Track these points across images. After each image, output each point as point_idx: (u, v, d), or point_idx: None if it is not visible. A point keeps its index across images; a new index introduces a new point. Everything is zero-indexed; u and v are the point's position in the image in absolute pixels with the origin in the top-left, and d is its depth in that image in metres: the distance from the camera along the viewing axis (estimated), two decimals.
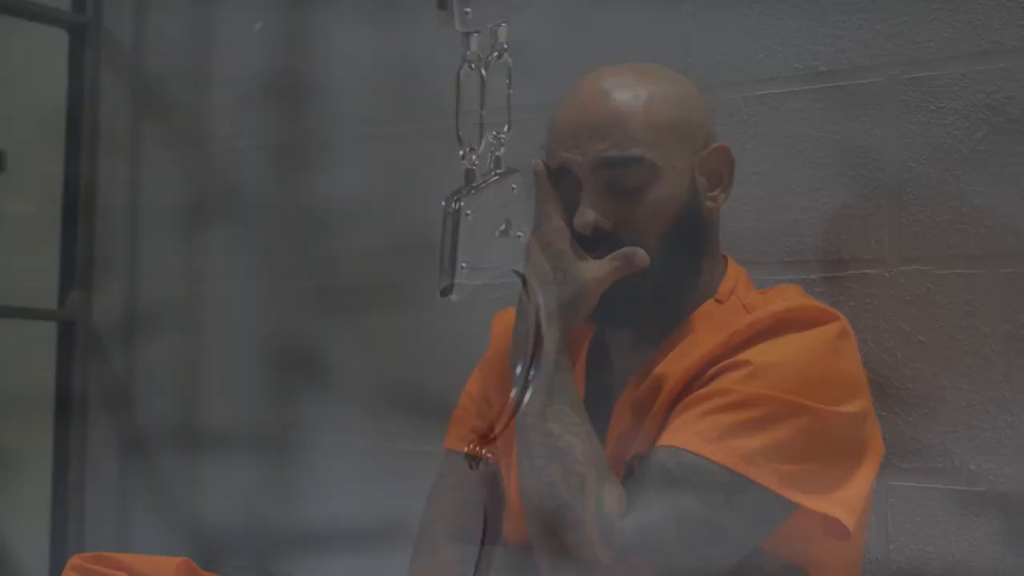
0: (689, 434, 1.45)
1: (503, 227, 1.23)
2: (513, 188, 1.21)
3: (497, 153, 1.20)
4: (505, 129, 1.17)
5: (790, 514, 1.46)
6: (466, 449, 1.73)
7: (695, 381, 1.52)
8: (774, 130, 1.89)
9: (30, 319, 3.28)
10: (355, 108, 2.45)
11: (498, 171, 1.21)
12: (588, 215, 1.56)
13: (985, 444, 1.70)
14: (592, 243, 1.56)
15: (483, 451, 1.73)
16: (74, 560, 1.55)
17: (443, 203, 1.22)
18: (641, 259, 1.53)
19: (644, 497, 1.42)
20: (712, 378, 1.50)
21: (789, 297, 1.59)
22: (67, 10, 2.94)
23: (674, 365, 1.55)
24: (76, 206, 2.93)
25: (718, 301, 1.62)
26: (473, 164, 1.21)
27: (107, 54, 2.92)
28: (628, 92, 1.58)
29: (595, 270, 1.53)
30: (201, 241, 2.72)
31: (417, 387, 2.32)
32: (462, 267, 1.21)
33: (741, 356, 1.50)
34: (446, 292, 1.21)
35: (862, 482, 1.50)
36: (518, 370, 1.44)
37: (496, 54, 1.20)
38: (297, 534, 2.49)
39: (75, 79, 2.95)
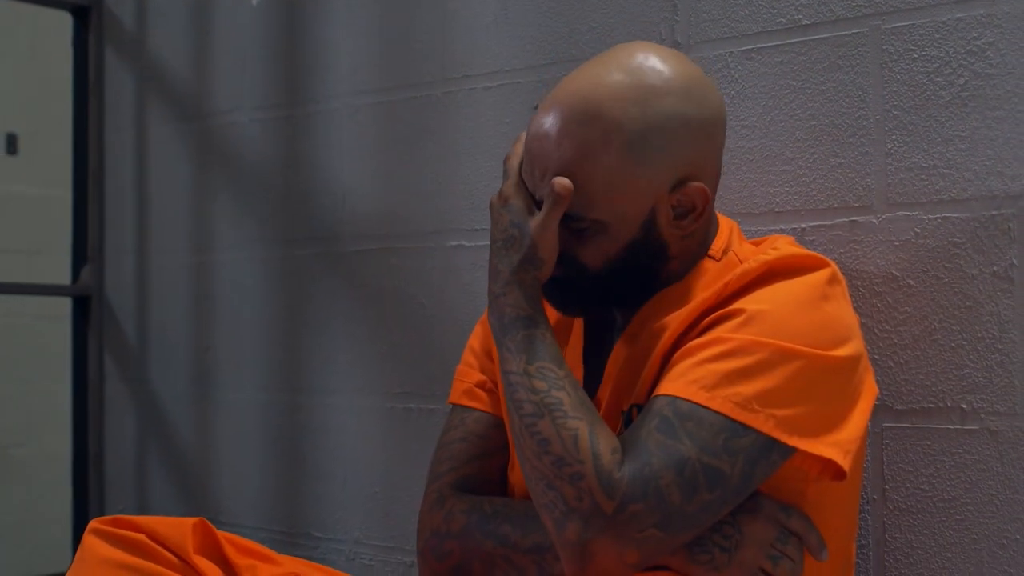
0: (685, 382, 1.47)
1: None
2: None
3: None
4: None
5: (787, 458, 1.48)
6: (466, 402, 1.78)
7: (690, 331, 1.55)
8: (760, 84, 1.92)
9: (46, 295, 3.33)
10: (352, 78, 2.48)
11: None
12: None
13: (975, 383, 1.72)
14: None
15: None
16: (93, 524, 1.58)
17: None
18: (561, 186, 1.51)
19: (643, 446, 1.43)
20: (706, 328, 1.53)
21: (780, 246, 1.61)
22: None
23: (669, 317, 1.58)
24: (86, 184, 2.97)
25: (711, 258, 1.65)
26: None
27: (110, 34, 2.95)
28: (595, 139, 1.54)
29: (537, 220, 1.55)
30: (207, 212, 2.76)
31: (420, 348, 2.35)
32: None
33: (734, 305, 1.52)
34: None
35: (857, 424, 1.52)
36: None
37: None
38: (309, 494, 2.53)
39: (80, 60, 2.98)
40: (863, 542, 1.79)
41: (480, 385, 1.78)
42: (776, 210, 1.90)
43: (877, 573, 1.80)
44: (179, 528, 1.56)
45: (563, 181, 1.52)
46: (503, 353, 1.53)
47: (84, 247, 2.97)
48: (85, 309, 2.96)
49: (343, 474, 2.47)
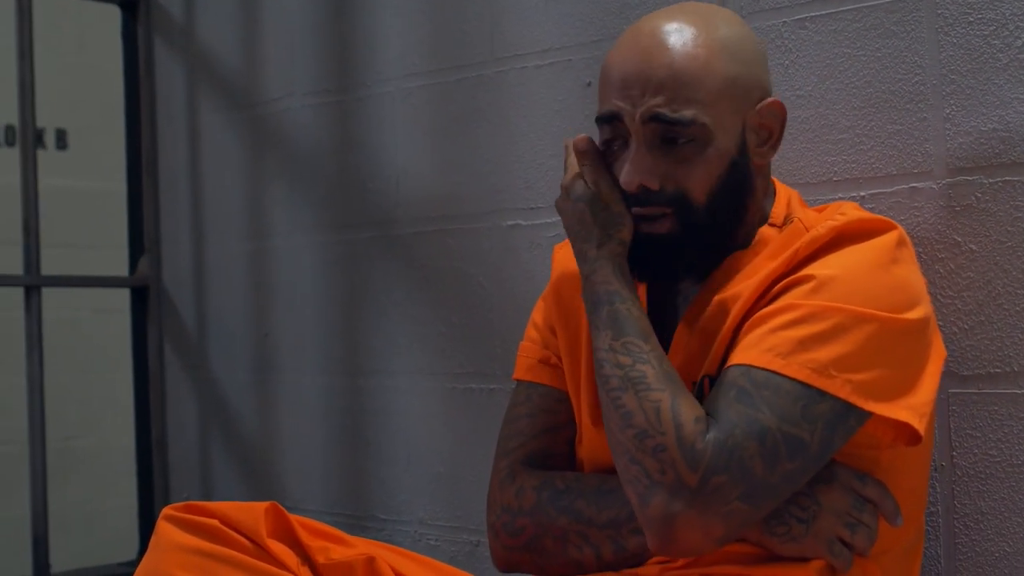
0: (760, 351, 1.47)
1: None
2: None
3: None
4: None
5: (863, 423, 1.48)
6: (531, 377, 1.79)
7: (760, 300, 1.55)
8: (815, 53, 1.90)
9: (104, 287, 3.36)
10: (403, 61, 2.48)
11: None
12: (635, 175, 1.58)
13: None
14: (637, 200, 1.59)
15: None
16: (166, 511, 1.58)
17: None
18: (580, 140, 1.61)
19: (724, 416, 1.44)
20: (777, 296, 1.53)
21: (847, 211, 1.60)
22: None
23: (739, 287, 1.58)
24: (140, 176, 2.99)
25: (772, 224, 1.65)
26: None
27: (159, 26, 2.97)
28: (685, 46, 1.56)
29: (589, 180, 1.61)
30: (262, 199, 2.77)
31: (480, 328, 2.36)
32: None
33: (804, 271, 1.52)
34: None
35: (929, 386, 1.52)
36: None
37: None
38: (373, 476, 2.55)
39: (130, 53, 3.00)
40: (932, 509, 1.78)
41: (544, 360, 1.79)
42: (834, 179, 1.89)
43: (947, 540, 1.79)
44: (252, 512, 1.57)
45: (582, 137, 1.61)
46: (592, 331, 1.55)
47: (140, 238, 2.99)
48: (143, 300, 2.99)
49: (406, 455, 2.48)
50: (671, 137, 1.57)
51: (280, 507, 1.59)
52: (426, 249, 2.44)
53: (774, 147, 1.64)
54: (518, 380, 1.82)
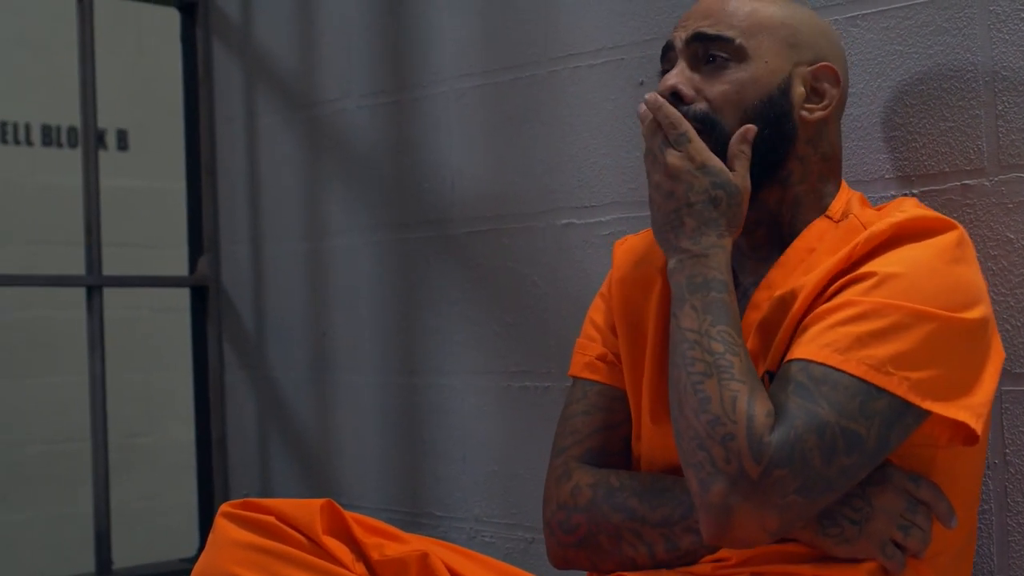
0: (818, 346, 1.47)
1: None
2: None
3: None
4: None
5: (921, 422, 1.48)
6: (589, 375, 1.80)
7: (820, 297, 1.55)
8: (866, 51, 1.90)
9: (165, 287, 3.40)
10: (458, 61, 2.50)
11: None
12: (670, 79, 1.64)
13: None
14: None
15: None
16: (224, 507, 1.61)
17: None
18: (748, 130, 1.60)
19: (785, 410, 1.44)
20: (836, 292, 1.53)
21: (907, 208, 1.61)
22: None
23: (798, 282, 1.58)
24: (199, 176, 3.02)
25: (829, 217, 1.66)
26: None
27: (217, 28, 3.00)
28: None
29: (739, 175, 1.59)
30: (319, 199, 2.80)
31: (534, 326, 2.37)
32: None
33: (864, 268, 1.52)
34: None
35: (987, 387, 1.52)
36: None
37: None
38: (429, 474, 2.56)
39: (189, 55, 3.04)
40: (985, 507, 1.78)
41: (601, 358, 1.80)
42: (886, 176, 1.89)
43: (1000, 538, 1.79)
44: (308, 509, 1.59)
45: (749, 127, 1.60)
46: (684, 309, 1.53)
47: (200, 238, 3.03)
48: (203, 299, 3.02)
49: (462, 453, 2.49)
50: (711, 56, 1.63)
51: (335, 504, 1.61)
52: (481, 248, 2.45)
53: (826, 109, 1.66)
54: (574, 377, 1.83)
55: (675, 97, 1.62)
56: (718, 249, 1.56)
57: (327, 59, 2.77)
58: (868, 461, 1.47)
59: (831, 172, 1.70)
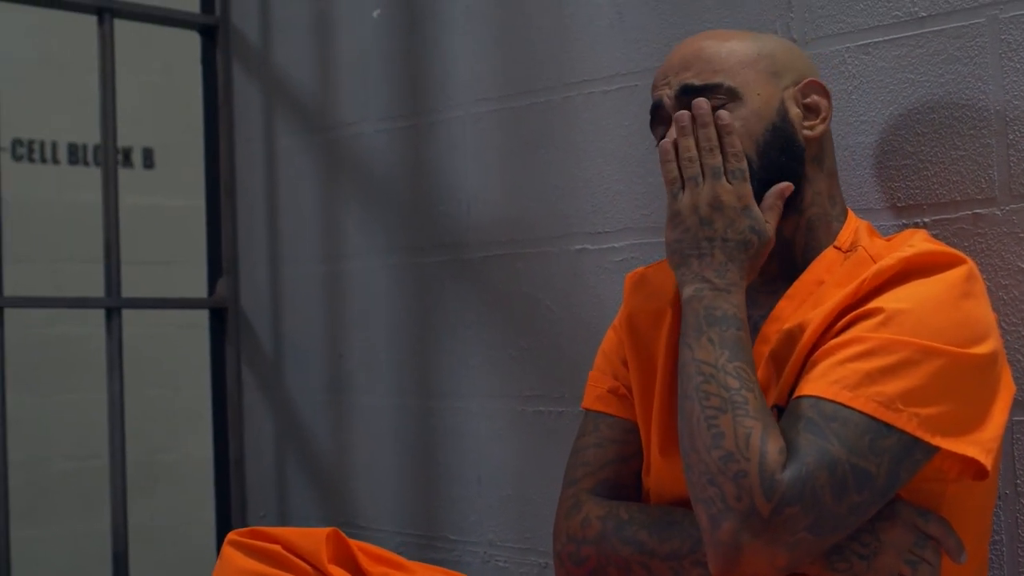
0: (827, 383, 1.47)
1: None
2: None
3: None
4: None
5: (930, 457, 1.48)
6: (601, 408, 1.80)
7: (828, 331, 1.55)
8: (878, 79, 1.90)
9: (183, 308, 3.41)
10: (473, 86, 2.50)
11: None
12: (669, 138, 1.63)
13: None
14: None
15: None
16: (231, 535, 1.63)
17: None
18: (786, 188, 1.62)
19: (795, 447, 1.44)
20: (845, 327, 1.53)
21: (916, 243, 1.60)
22: (197, 12, 3.04)
23: (806, 316, 1.58)
24: (218, 198, 3.03)
25: (837, 248, 1.66)
26: None
27: (237, 51, 3.02)
28: (716, 36, 1.70)
29: (771, 227, 1.60)
30: (337, 222, 2.81)
31: (548, 351, 2.37)
32: None
33: (872, 304, 1.52)
34: None
35: (997, 422, 1.51)
36: None
37: None
38: (445, 497, 2.57)
39: (209, 77, 3.06)
40: (996, 538, 1.77)
41: (613, 391, 1.80)
42: (898, 205, 1.88)
43: (1011, 569, 1.78)
44: (313, 538, 1.60)
45: (787, 184, 1.62)
46: (701, 341, 1.53)
47: (219, 260, 3.04)
48: (222, 320, 3.03)
49: (476, 477, 2.50)
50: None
51: (341, 533, 1.62)
52: (496, 273, 2.46)
53: (824, 122, 1.69)
54: (586, 410, 1.83)
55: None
56: (739, 288, 1.56)
57: (345, 82, 2.78)
58: (878, 498, 1.47)
59: (835, 190, 1.71)
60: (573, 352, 2.31)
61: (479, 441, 2.49)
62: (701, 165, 1.59)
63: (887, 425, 1.44)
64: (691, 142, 1.60)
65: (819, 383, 1.48)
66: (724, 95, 1.63)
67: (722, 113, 1.60)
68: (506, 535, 2.44)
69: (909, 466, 1.47)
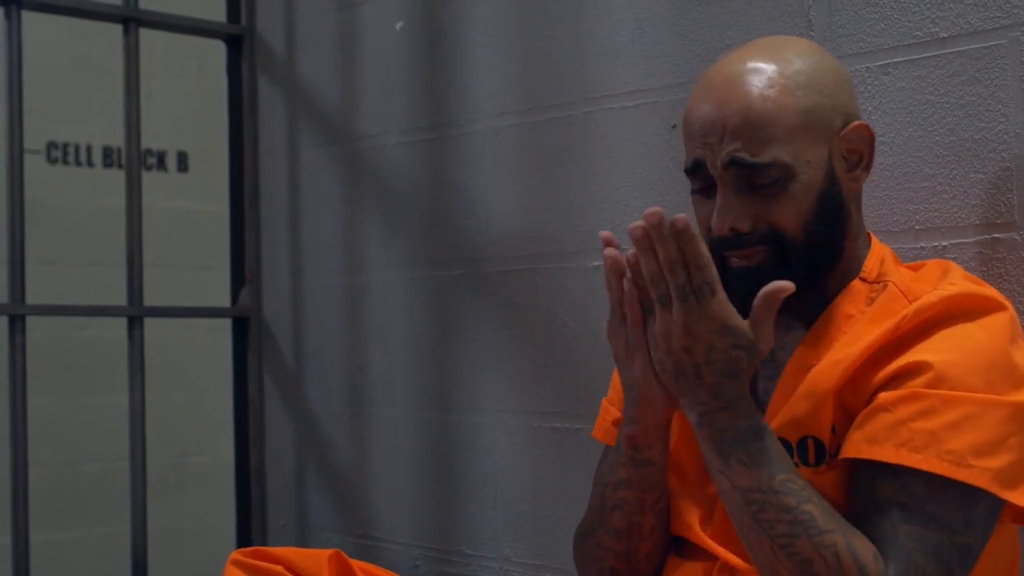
0: (892, 445, 1.44)
1: None
2: None
3: None
4: None
5: (1000, 511, 1.46)
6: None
7: (864, 369, 1.51)
8: (897, 100, 1.88)
9: (207, 317, 3.42)
10: (494, 100, 2.49)
11: None
12: (725, 219, 1.55)
13: None
14: (730, 244, 1.56)
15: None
16: (234, 555, 1.62)
17: None
18: (786, 289, 1.46)
19: (897, 543, 1.41)
20: (890, 378, 1.48)
21: (956, 280, 1.56)
22: (223, 22, 3.05)
23: (840, 353, 1.53)
24: (242, 208, 3.04)
25: (863, 279, 1.61)
26: None
27: (262, 61, 3.02)
28: (757, 87, 1.54)
29: (764, 332, 1.47)
30: (358, 234, 2.80)
31: (565, 367, 2.36)
32: None
33: (917, 356, 1.47)
34: None
35: None
36: None
37: None
38: (461, 511, 2.56)
39: (234, 86, 3.06)
40: None
41: (617, 423, 1.77)
42: (916, 227, 1.86)
43: None
44: (315, 559, 1.60)
45: (781, 284, 1.46)
46: (731, 467, 1.46)
47: (242, 269, 3.04)
48: (244, 330, 3.03)
49: (492, 492, 2.49)
50: (754, 184, 1.54)
51: (343, 555, 1.62)
52: (514, 287, 2.45)
53: (867, 168, 1.61)
54: (595, 438, 1.82)
55: (736, 234, 1.56)
56: (741, 398, 1.48)
57: (367, 95, 2.78)
58: (971, 561, 1.45)
59: (861, 221, 1.65)
60: (590, 368, 2.29)
61: (496, 456, 2.48)
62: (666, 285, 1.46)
63: (970, 487, 1.42)
64: (651, 260, 1.45)
65: (884, 446, 1.44)
66: (777, 174, 1.54)
67: (679, 218, 1.42)
68: (521, 551, 2.43)
69: (989, 523, 1.46)
